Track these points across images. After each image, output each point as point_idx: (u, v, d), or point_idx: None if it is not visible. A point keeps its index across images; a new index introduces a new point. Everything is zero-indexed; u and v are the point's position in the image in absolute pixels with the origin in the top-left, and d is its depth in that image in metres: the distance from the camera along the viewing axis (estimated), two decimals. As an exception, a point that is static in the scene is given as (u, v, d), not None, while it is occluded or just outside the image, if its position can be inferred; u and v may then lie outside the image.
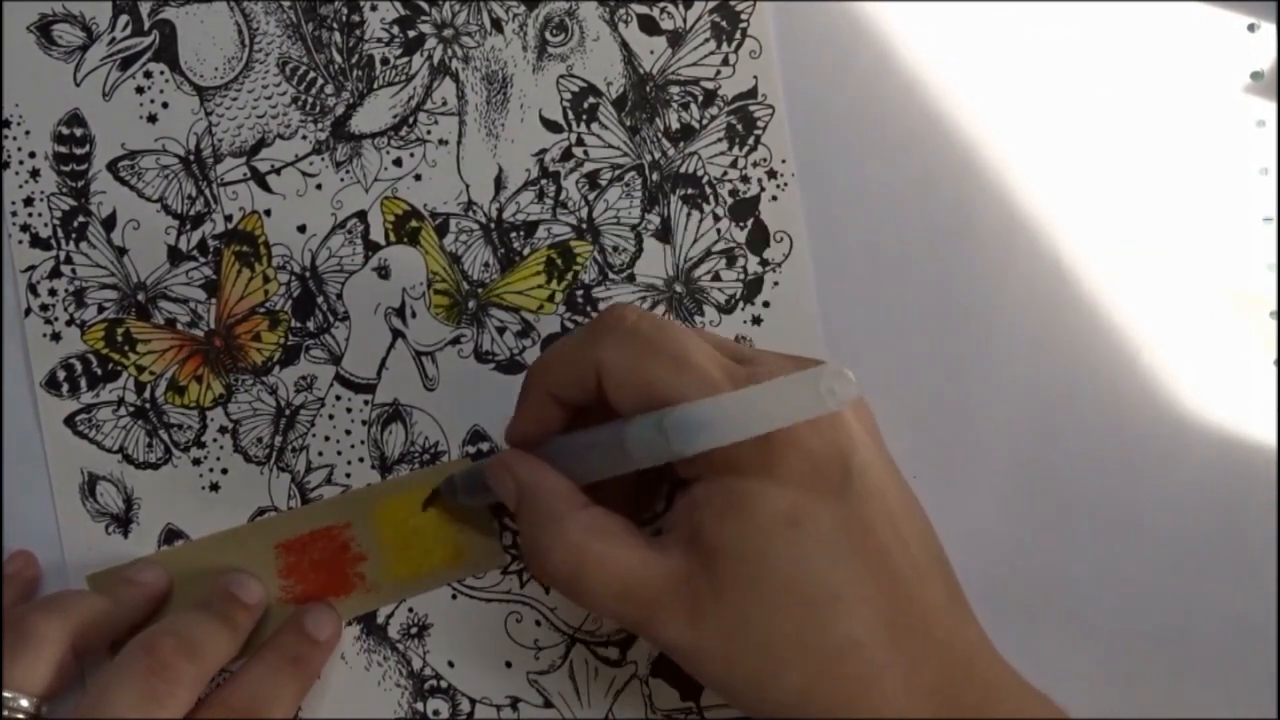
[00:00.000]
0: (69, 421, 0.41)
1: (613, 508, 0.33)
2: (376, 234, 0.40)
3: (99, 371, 0.41)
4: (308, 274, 0.40)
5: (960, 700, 0.31)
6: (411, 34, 0.40)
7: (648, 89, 0.40)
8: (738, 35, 0.40)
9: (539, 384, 0.35)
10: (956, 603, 0.32)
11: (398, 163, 0.40)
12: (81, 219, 0.41)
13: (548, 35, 0.40)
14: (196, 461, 0.41)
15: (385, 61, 0.40)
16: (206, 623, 0.37)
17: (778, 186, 0.40)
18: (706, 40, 0.40)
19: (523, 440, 0.35)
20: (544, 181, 0.40)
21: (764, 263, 0.40)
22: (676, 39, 0.40)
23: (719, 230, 0.40)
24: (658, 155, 0.40)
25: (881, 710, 0.30)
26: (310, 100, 0.41)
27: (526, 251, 0.40)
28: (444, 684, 0.40)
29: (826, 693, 0.30)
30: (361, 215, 0.40)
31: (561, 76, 0.40)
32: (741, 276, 0.40)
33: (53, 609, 0.36)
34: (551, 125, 0.40)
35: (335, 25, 0.40)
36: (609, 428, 0.32)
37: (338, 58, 0.40)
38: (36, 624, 0.36)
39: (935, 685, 0.30)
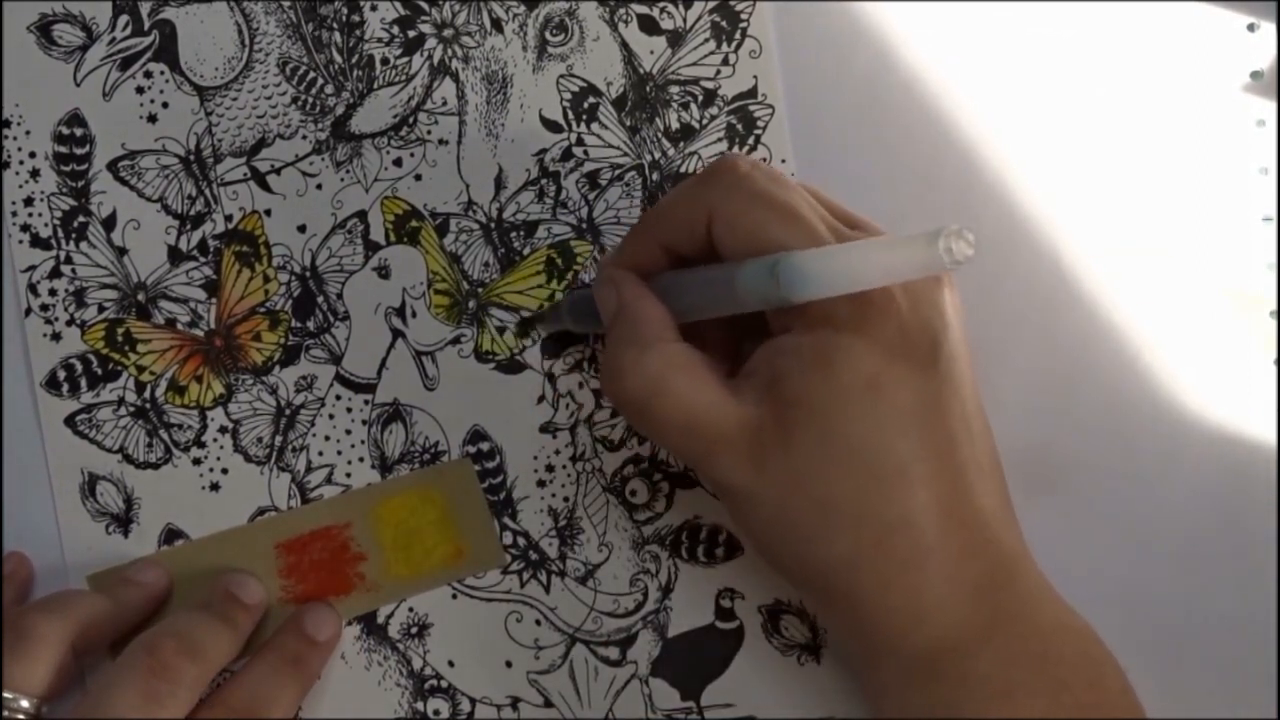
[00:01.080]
0: (69, 421, 0.41)
1: (710, 355, 0.33)
2: (377, 234, 0.40)
3: (99, 371, 0.41)
4: (308, 274, 0.41)
5: (999, 601, 0.31)
6: (411, 34, 0.40)
7: (648, 89, 0.40)
8: (738, 35, 0.40)
9: (649, 230, 0.35)
10: (1007, 508, 0.33)
11: (398, 163, 0.40)
12: (82, 219, 0.41)
13: (548, 35, 0.40)
14: (197, 461, 0.41)
15: (385, 61, 0.40)
16: (207, 623, 0.37)
17: (778, 186, 0.40)
18: (706, 40, 0.40)
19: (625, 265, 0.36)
20: (544, 181, 0.40)
21: (764, 262, 0.40)
22: (676, 39, 0.40)
23: (719, 230, 0.40)
24: (658, 155, 0.40)
25: (921, 594, 0.30)
26: (310, 100, 0.41)
27: (527, 251, 0.40)
28: (444, 684, 0.40)
29: (871, 565, 0.31)
30: (362, 215, 0.40)
31: (561, 76, 0.40)
32: (741, 276, 0.40)
33: (53, 609, 0.36)
34: (551, 125, 0.40)
35: (335, 25, 0.40)
36: (720, 268, 0.32)
37: (338, 58, 0.40)
38: (36, 624, 0.36)
39: (977, 581, 0.31)
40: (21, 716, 0.35)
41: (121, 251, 0.41)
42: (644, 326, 0.33)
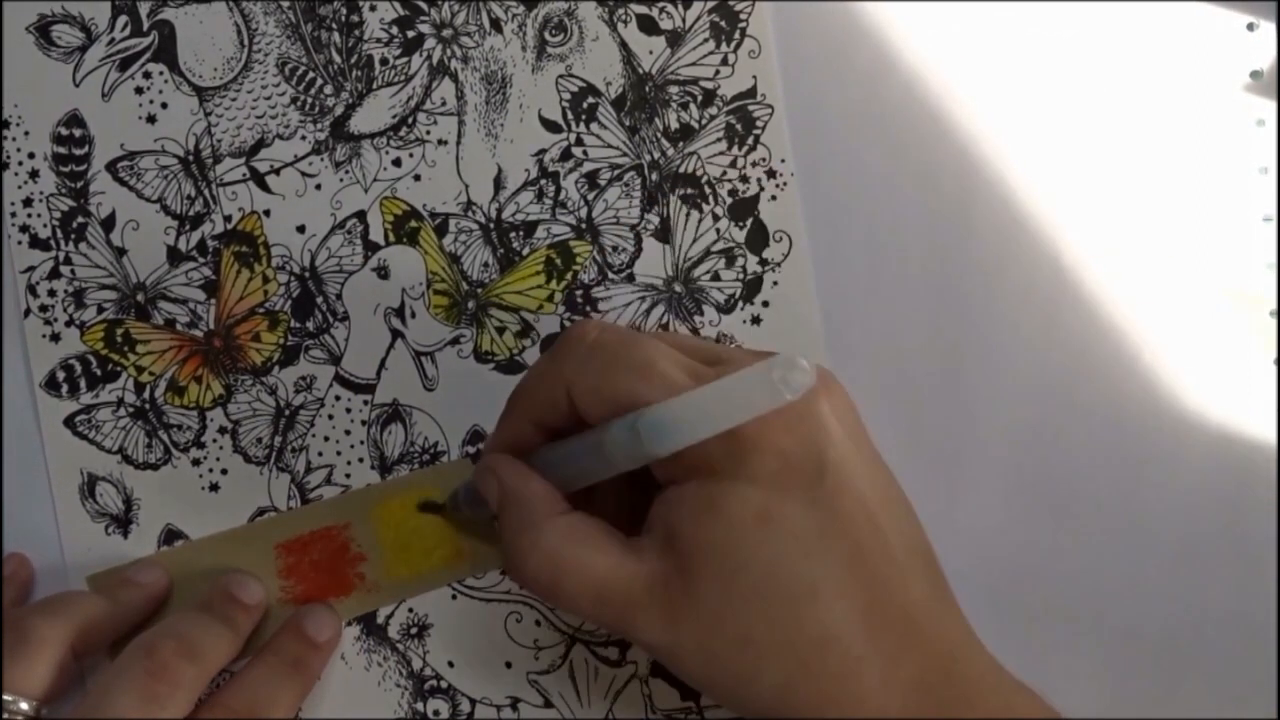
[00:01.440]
0: (68, 422, 0.41)
1: (607, 518, 0.33)
2: (376, 234, 0.40)
3: (98, 372, 0.41)
4: (307, 274, 0.40)
5: (941, 696, 0.31)
6: (410, 34, 0.40)
7: (647, 89, 0.40)
8: (737, 35, 0.40)
9: (516, 411, 0.36)
10: (939, 597, 0.32)
11: (397, 163, 0.40)
12: (81, 219, 0.41)
13: (547, 35, 0.40)
14: (196, 462, 0.41)
15: (384, 62, 0.40)
16: (207, 624, 0.37)
17: (777, 186, 0.40)
18: (705, 40, 0.40)
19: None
20: (543, 181, 0.40)
21: (763, 262, 0.40)
22: (675, 39, 0.40)
23: (718, 230, 0.40)
24: (657, 155, 0.40)
25: (861, 705, 0.30)
26: (309, 100, 0.40)
27: (526, 251, 0.40)
28: (444, 684, 0.40)
29: (805, 689, 0.30)
30: (361, 215, 0.40)
31: (560, 76, 0.40)
32: (741, 276, 0.40)
33: (52, 611, 0.36)
34: (551, 125, 0.40)
35: (334, 25, 0.40)
36: (590, 434, 0.32)
37: (337, 58, 0.40)
38: (36, 626, 0.36)
39: (915, 680, 0.30)
40: (21, 718, 0.35)
41: (120, 252, 0.41)
42: (531, 507, 0.33)
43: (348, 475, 0.40)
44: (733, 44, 0.40)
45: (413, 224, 0.40)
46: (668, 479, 0.32)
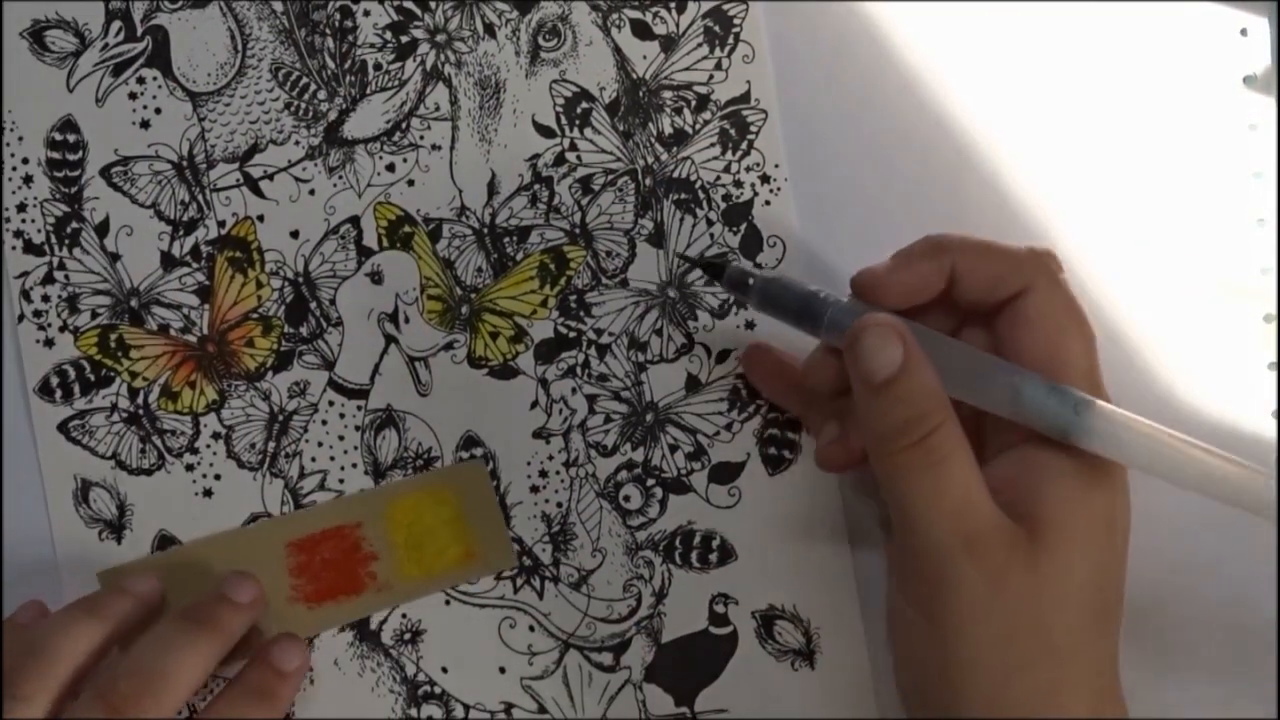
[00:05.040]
0: (62, 428, 0.41)
1: None
2: (369, 239, 0.40)
3: (92, 378, 0.41)
4: (301, 279, 0.40)
5: None
6: (404, 39, 0.40)
7: (641, 94, 0.40)
8: (730, 40, 0.40)
9: (942, 252, 0.34)
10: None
11: (390, 168, 0.40)
12: (74, 225, 0.41)
13: (540, 40, 0.40)
14: (190, 467, 0.41)
15: (378, 67, 0.40)
16: (178, 643, 0.36)
17: (771, 191, 0.40)
18: (699, 45, 0.40)
19: (880, 293, 0.34)
20: (537, 186, 0.40)
21: (758, 266, 0.40)
22: (669, 44, 0.40)
23: (712, 235, 0.40)
24: (651, 160, 0.40)
25: None
26: (303, 106, 0.40)
27: (520, 257, 0.40)
28: (438, 690, 0.40)
29: (1068, 705, 0.31)
30: (354, 221, 0.40)
31: (554, 81, 0.40)
32: (735, 281, 0.40)
33: (44, 661, 0.35)
34: (544, 130, 0.40)
35: (328, 31, 0.40)
36: (1006, 366, 0.32)
37: (330, 63, 0.40)
38: (28, 680, 0.35)
39: None
40: None
41: (114, 257, 0.41)
42: (930, 394, 0.32)
43: (341, 481, 0.40)
44: (726, 49, 0.40)
45: (406, 229, 0.40)
46: (1029, 436, 0.33)
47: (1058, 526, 0.31)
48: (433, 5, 0.40)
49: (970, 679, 0.31)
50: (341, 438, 0.40)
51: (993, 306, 0.34)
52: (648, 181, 0.40)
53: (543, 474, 0.40)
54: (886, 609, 0.35)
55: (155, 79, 0.41)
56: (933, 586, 0.31)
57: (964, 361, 0.33)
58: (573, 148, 0.40)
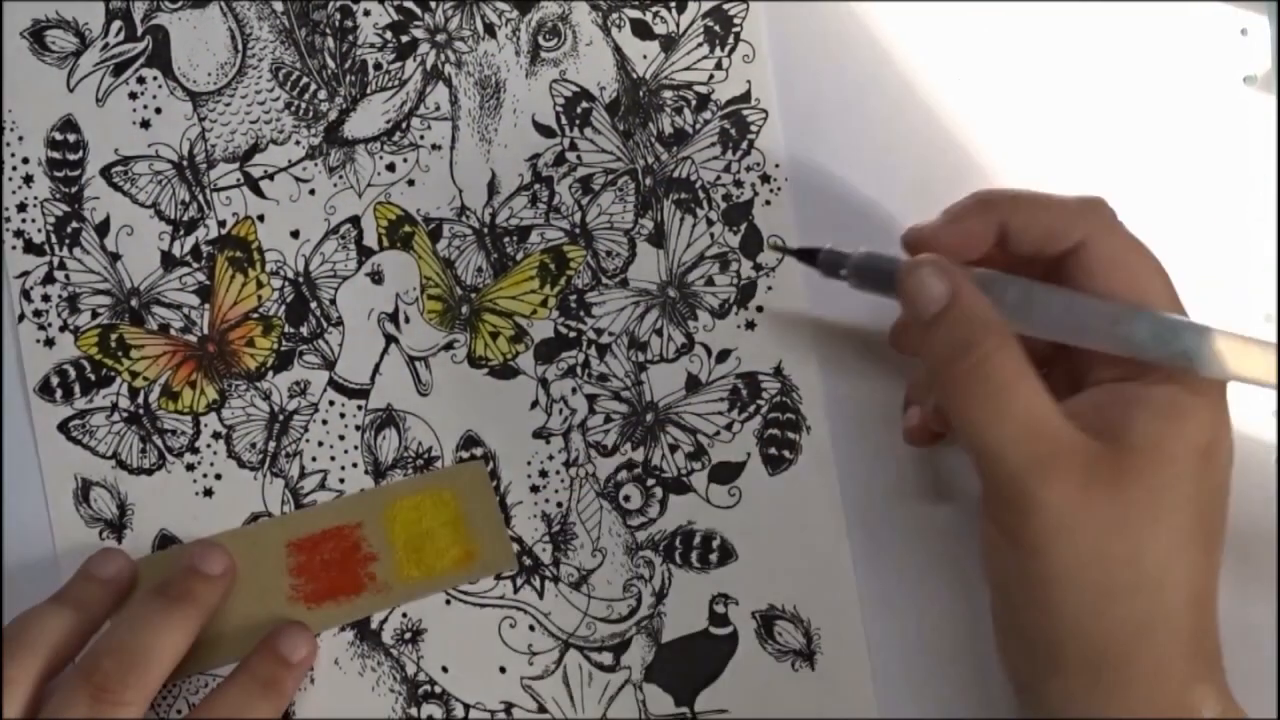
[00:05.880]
0: (62, 427, 0.41)
1: None
2: (370, 239, 0.40)
3: (92, 377, 0.41)
4: (301, 279, 0.40)
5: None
6: (404, 39, 0.40)
7: (641, 93, 0.40)
8: (731, 39, 0.40)
9: (992, 209, 0.34)
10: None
11: (391, 168, 0.40)
12: (75, 225, 0.41)
13: (540, 40, 0.40)
14: (190, 467, 0.41)
15: (378, 67, 0.40)
16: (156, 621, 0.37)
17: (771, 191, 0.40)
18: (700, 44, 0.40)
19: (933, 248, 0.34)
20: (537, 186, 0.40)
21: (757, 267, 0.40)
22: (669, 43, 0.40)
23: (712, 235, 0.40)
24: (651, 160, 0.40)
25: (1185, 691, 0.31)
26: (303, 106, 0.40)
27: (520, 256, 0.40)
28: (438, 689, 0.40)
29: (1161, 639, 0.30)
30: (355, 220, 0.40)
31: (554, 81, 0.40)
32: (735, 281, 0.40)
33: (18, 651, 0.36)
34: (544, 130, 0.40)
35: (328, 30, 0.40)
36: (1104, 302, 0.32)
37: (331, 63, 0.40)
38: (5, 668, 0.36)
39: (1219, 675, 0.31)
40: None
41: (115, 257, 0.41)
42: (987, 320, 0.32)
43: (341, 480, 0.40)
44: (727, 48, 0.40)
45: (406, 229, 0.40)
46: (1120, 376, 0.32)
47: (1147, 451, 0.31)
48: (433, 5, 0.40)
49: (1059, 599, 0.31)
50: (342, 437, 0.40)
51: (1049, 259, 0.33)
52: (648, 181, 0.40)
53: (543, 474, 0.40)
54: (980, 541, 0.34)
55: (155, 79, 0.41)
56: (1013, 509, 0.31)
57: (1065, 305, 0.33)
58: (573, 147, 0.40)
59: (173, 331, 0.41)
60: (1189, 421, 0.31)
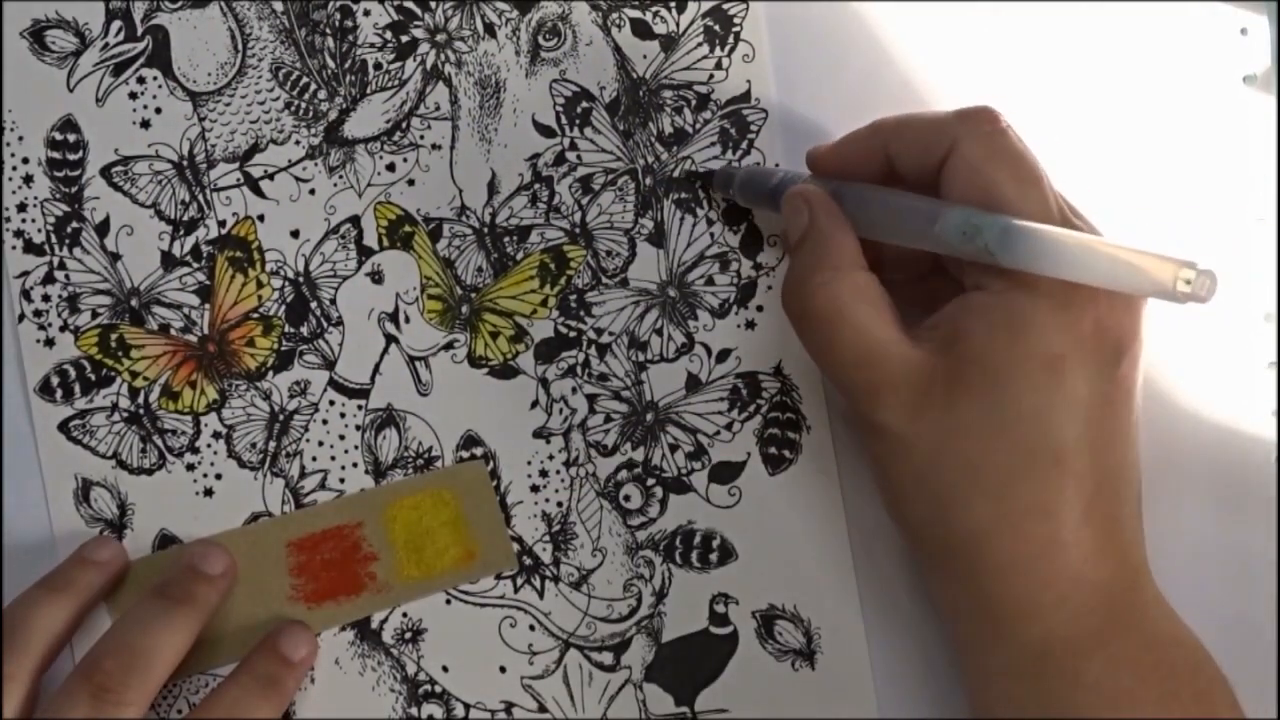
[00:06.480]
0: (63, 427, 0.41)
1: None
2: (370, 239, 0.40)
3: (92, 377, 0.41)
4: (301, 279, 0.40)
5: (1119, 607, 0.31)
6: (404, 39, 0.40)
7: (641, 93, 0.40)
8: (731, 39, 0.40)
9: (881, 135, 0.35)
10: (1139, 519, 0.33)
11: (391, 168, 0.40)
12: (75, 225, 0.41)
13: (540, 40, 0.40)
14: (190, 467, 0.41)
15: (378, 66, 0.40)
16: (158, 622, 0.37)
17: (771, 191, 0.40)
18: (699, 44, 0.40)
19: (825, 167, 0.36)
20: (537, 186, 0.40)
21: (757, 266, 0.40)
22: (669, 43, 0.40)
23: (712, 234, 0.40)
24: (651, 160, 0.40)
25: (1046, 587, 0.31)
26: (303, 105, 0.40)
27: (520, 256, 0.40)
28: (438, 689, 0.40)
29: (1003, 543, 0.31)
30: (355, 220, 0.40)
31: (554, 81, 0.40)
32: (735, 280, 0.40)
33: (17, 645, 0.36)
34: (544, 130, 0.40)
35: (328, 30, 0.40)
36: (925, 200, 0.32)
37: (330, 63, 0.40)
38: (5, 663, 0.36)
39: (1102, 584, 0.31)
40: None
41: (115, 257, 0.41)
42: (835, 252, 0.33)
43: (342, 480, 0.40)
44: (727, 48, 0.40)
45: (406, 229, 0.40)
46: (974, 284, 0.32)
47: (980, 363, 0.31)
48: (433, 5, 0.40)
49: (903, 507, 0.33)
50: (342, 437, 0.40)
51: (929, 174, 0.34)
52: (648, 181, 0.40)
53: (543, 474, 0.40)
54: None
55: (155, 79, 0.41)
56: (859, 430, 0.33)
57: (903, 208, 0.33)
58: (573, 147, 0.40)
59: (173, 331, 0.41)
60: (1030, 332, 0.31)
